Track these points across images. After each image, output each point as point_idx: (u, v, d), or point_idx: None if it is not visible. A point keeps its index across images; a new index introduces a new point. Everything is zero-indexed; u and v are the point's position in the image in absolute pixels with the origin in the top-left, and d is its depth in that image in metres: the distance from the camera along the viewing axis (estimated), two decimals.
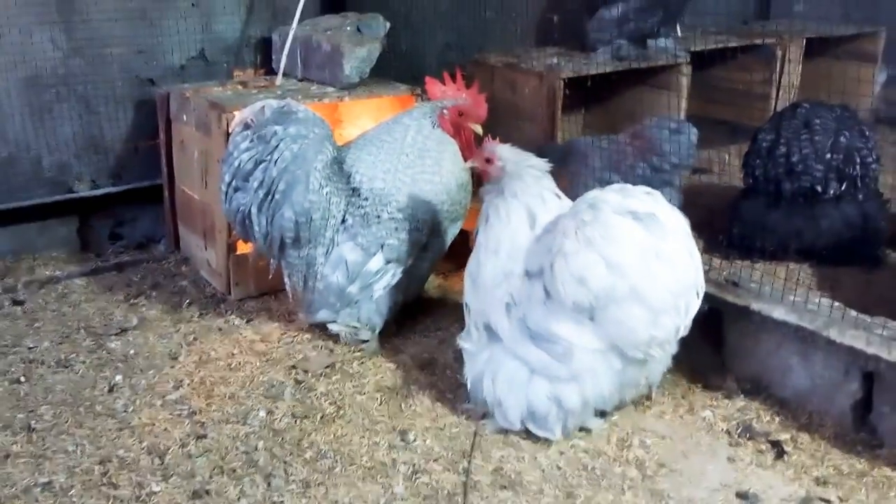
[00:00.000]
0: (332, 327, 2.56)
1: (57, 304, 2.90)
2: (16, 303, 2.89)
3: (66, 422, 2.21)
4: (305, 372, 2.44)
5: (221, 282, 2.93)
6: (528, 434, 2.11)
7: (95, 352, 2.57)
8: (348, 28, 3.21)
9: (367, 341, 2.54)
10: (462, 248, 2.54)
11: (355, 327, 2.54)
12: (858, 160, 2.58)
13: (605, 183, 2.06)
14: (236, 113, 2.61)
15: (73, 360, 2.52)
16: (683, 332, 2.01)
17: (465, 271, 2.20)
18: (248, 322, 2.75)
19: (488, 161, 2.15)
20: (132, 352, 2.56)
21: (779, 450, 2.06)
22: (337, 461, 2.04)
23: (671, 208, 1.99)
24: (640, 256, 1.91)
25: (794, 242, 2.62)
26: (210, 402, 2.29)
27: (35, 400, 2.31)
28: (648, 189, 2.02)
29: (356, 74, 3.07)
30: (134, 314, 2.81)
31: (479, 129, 2.57)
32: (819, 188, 2.57)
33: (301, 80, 3.26)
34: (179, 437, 2.13)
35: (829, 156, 2.57)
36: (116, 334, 2.67)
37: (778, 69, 3.74)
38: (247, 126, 2.48)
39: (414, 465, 2.02)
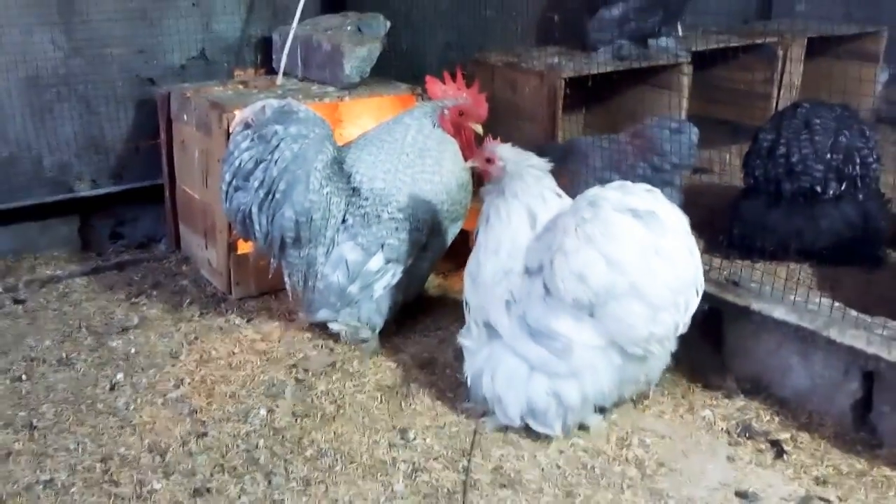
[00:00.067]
0: (333, 326, 2.56)
1: (58, 303, 2.91)
2: (17, 302, 2.90)
3: (68, 420, 2.21)
4: (306, 371, 2.44)
5: (222, 281, 2.94)
6: (527, 432, 2.11)
7: (97, 350, 2.57)
8: (349, 27, 3.21)
9: (367, 340, 2.55)
10: (462, 248, 2.55)
11: (356, 326, 2.54)
12: (858, 160, 2.58)
13: (605, 182, 2.06)
14: (237, 112, 2.61)
15: (75, 358, 2.52)
16: (683, 329, 2.02)
17: (465, 271, 2.20)
18: (248, 321, 2.75)
19: (489, 161, 2.16)
20: (133, 350, 2.57)
21: (778, 449, 2.06)
22: (337, 459, 2.04)
23: (671, 206, 2.00)
24: (639, 253, 1.92)
25: (794, 242, 2.62)
26: (211, 400, 2.29)
27: (36, 398, 2.32)
28: (648, 187, 2.02)
29: (357, 74, 3.08)
30: (135, 313, 2.81)
31: (479, 129, 2.57)
32: (819, 188, 2.57)
33: (301, 80, 3.26)
34: (180, 435, 2.14)
35: (828, 156, 2.57)
36: (117, 333, 2.67)
37: (779, 69, 3.74)
38: (247, 125, 2.48)
39: (414, 464, 2.02)
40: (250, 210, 2.46)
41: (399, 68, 3.37)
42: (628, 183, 2.04)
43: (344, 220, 2.50)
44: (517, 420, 2.08)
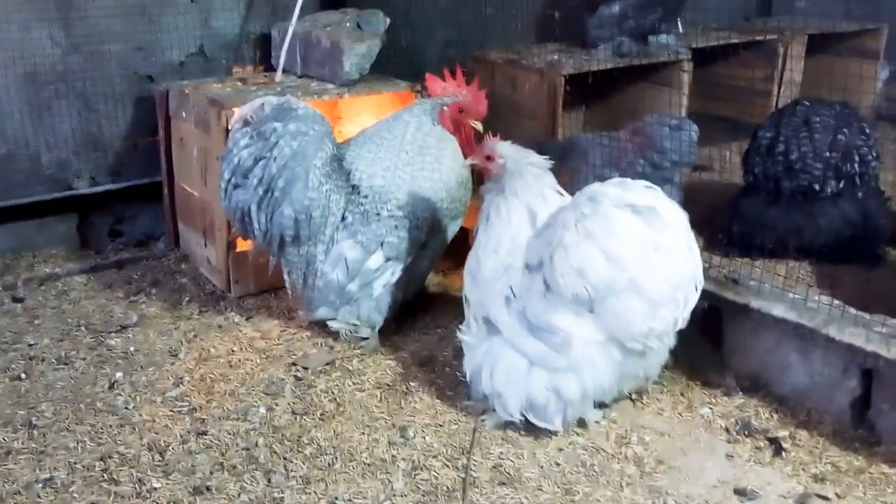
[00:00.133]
0: (332, 325, 2.56)
1: (57, 301, 2.90)
2: (16, 300, 2.90)
3: (67, 418, 2.21)
4: (305, 369, 2.44)
5: (221, 279, 2.94)
6: (527, 430, 2.11)
7: (96, 349, 2.57)
8: (348, 24, 3.20)
9: (366, 339, 2.55)
10: (462, 246, 2.54)
11: (355, 325, 2.54)
12: (857, 158, 2.57)
13: (605, 180, 2.07)
14: (236, 110, 2.60)
15: (74, 357, 2.52)
16: (682, 324, 2.02)
17: (465, 268, 2.20)
18: (247, 319, 2.75)
19: (489, 158, 2.16)
20: (132, 349, 2.56)
21: (777, 447, 2.06)
22: (337, 457, 2.05)
23: (670, 202, 2.01)
24: (639, 249, 1.92)
25: (793, 240, 2.62)
26: (210, 398, 2.29)
27: (36, 397, 2.32)
28: (648, 183, 2.03)
29: (356, 71, 3.07)
30: (134, 311, 2.81)
31: (479, 126, 2.57)
32: (817, 186, 2.57)
33: (301, 77, 3.25)
34: (180, 433, 2.14)
35: (828, 154, 2.56)
36: (116, 331, 2.67)
37: (780, 66, 3.73)
38: (246, 123, 2.48)
39: (413, 462, 2.03)
40: (249, 208, 2.45)
41: (398, 65, 3.36)
42: (628, 179, 2.04)
43: (343, 218, 2.49)
44: (517, 415, 2.08)
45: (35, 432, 2.15)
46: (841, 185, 2.58)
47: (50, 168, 3.24)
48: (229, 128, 2.60)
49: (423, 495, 1.92)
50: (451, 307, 2.70)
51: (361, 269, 2.48)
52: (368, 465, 2.02)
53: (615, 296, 1.94)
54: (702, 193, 2.99)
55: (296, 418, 2.20)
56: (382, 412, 2.23)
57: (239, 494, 1.93)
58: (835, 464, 2.00)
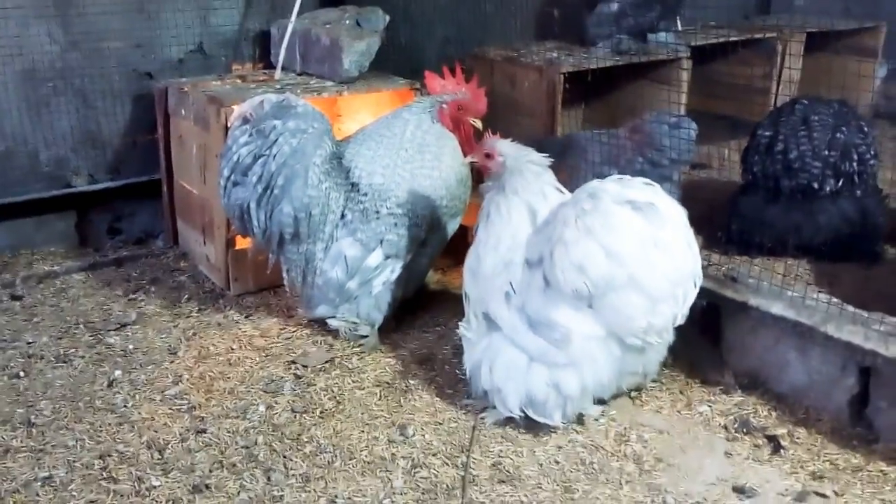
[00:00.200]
0: (332, 322, 2.56)
1: (55, 299, 2.90)
2: (14, 298, 2.90)
3: (66, 417, 2.21)
4: (305, 367, 2.44)
5: (220, 277, 2.94)
6: (526, 428, 2.12)
7: (94, 347, 2.57)
8: (347, 21, 3.20)
9: (366, 336, 2.55)
10: (461, 244, 2.54)
11: (354, 322, 2.54)
12: (856, 156, 2.57)
13: (603, 177, 2.07)
14: (235, 107, 2.60)
15: (73, 355, 2.52)
16: (681, 320, 2.03)
17: (465, 265, 2.21)
18: (247, 317, 2.75)
19: (488, 156, 2.16)
20: (131, 347, 2.56)
21: (775, 444, 2.07)
22: (336, 455, 2.05)
23: (669, 199, 2.02)
24: (638, 245, 1.93)
25: (792, 238, 2.63)
26: (209, 396, 2.29)
27: (34, 395, 2.32)
28: (647, 180, 2.04)
29: (355, 68, 3.07)
30: (133, 309, 2.81)
31: (478, 124, 2.57)
32: (816, 185, 2.57)
33: (300, 74, 3.25)
34: (179, 431, 2.14)
35: (826, 152, 2.57)
36: (115, 329, 2.67)
37: (778, 64, 3.73)
38: (246, 120, 2.48)
39: (413, 460, 2.03)
40: (249, 205, 2.45)
41: (398, 63, 3.36)
42: (627, 176, 2.05)
43: (343, 216, 2.49)
44: (516, 410, 2.09)
45: (34, 430, 2.15)
46: (840, 183, 2.58)
47: (48, 165, 3.23)
48: (228, 125, 2.59)
49: (423, 493, 1.92)
50: (450, 305, 2.70)
51: (361, 266, 2.48)
52: (368, 463, 2.02)
53: (615, 291, 1.95)
54: (701, 191, 2.99)
55: (295, 416, 2.21)
56: (382, 410, 2.23)
57: (238, 493, 1.93)
58: (833, 461, 2.01)
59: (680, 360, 2.35)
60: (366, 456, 2.05)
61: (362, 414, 2.21)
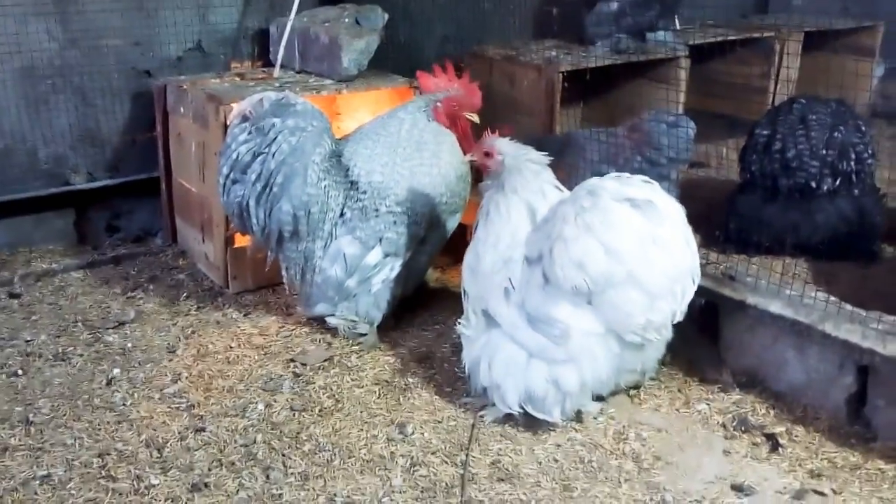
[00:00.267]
0: (331, 321, 2.56)
1: (54, 297, 2.90)
2: (12, 296, 2.89)
3: (65, 415, 2.21)
4: (304, 365, 2.44)
5: (219, 275, 2.93)
6: (525, 426, 2.12)
7: (93, 345, 2.57)
8: (346, 20, 3.20)
9: (365, 335, 2.55)
10: (461, 242, 2.54)
11: (353, 321, 2.54)
12: (853, 155, 2.58)
13: (602, 176, 2.07)
14: (234, 105, 2.60)
15: (71, 353, 2.52)
16: (679, 316, 2.04)
17: (464, 263, 2.21)
18: (245, 315, 2.75)
19: (487, 155, 2.16)
20: (130, 345, 2.56)
21: (774, 443, 2.07)
22: (335, 454, 2.05)
23: (668, 196, 2.02)
24: (637, 242, 1.94)
25: (790, 237, 2.63)
26: (208, 395, 2.29)
27: (33, 393, 2.31)
28: (646, 178, 2.05)
29: (354, 66, 3.07)
30: (131, 307, 2.81)
31: (475, 118, 2.57)
32: (814, 184, 2.58)
33: (299, 72, 3.25)
34: (178, 430, 2.14)
35: (824, 152, 2.57)
36: (114, 327, 2.67)
37: (776, 63, 3.73)
38: (245, 118, 2.48)
39: (412, 458, 2.03)
40: (248, 203, 2.45)
41: (397, 61, 3.36)
42: (626, 174, 2.06)
43: (342, 214, 2.49)
44: (515, 407, 2.09)
45: (32, 429, 2.15)
46: (837, 182, 2.59)
47: (47, 163, 3.23)
48: (228, 123, 2.59)
49: (422, 492, 1.93)
50: (449, 303, 2.71)
51: (360, 265, 2.48)
52: (367, 461, 2.03)
53: (614, 288, 1.95)
54: (699, 190, 2.99)
55: (294, 415, 2.21)
56: (381, 408, 2.23)
57: (237, 491, 1.93)
58: (831, 460, 2.02)
59: (678, 358, 2.36)
60: (365, 454, 2.05)
61: (361, 412, 2.22)
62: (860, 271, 2.56)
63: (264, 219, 2.45)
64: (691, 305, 2.06)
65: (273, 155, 2.42)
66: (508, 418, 2.14)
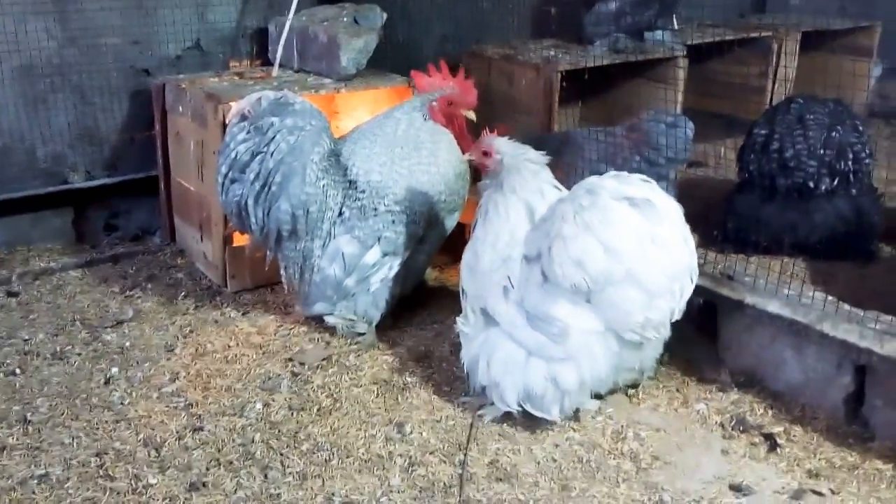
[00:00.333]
0: (329, 320, 2.56)
1: (52, 295, 2.89)
2: (10, 294, 2.89)
3: (62, 414, 2.20)
4: (302, 364, 2.44)
5: (217, 274, 2.93)
6: (524, 426, 2.12)
7: (91, 344, 2.57)
8: (345, 19, 3.20)
9: (363, 334, 2.55)
10: (459, 241, 2.54)
11: (352, 320, 2.54)
12: (851, 155, 2.59)
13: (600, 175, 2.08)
14: (233, 104, 2.60)
15: (69, 352, 2.52)
16: (678, 315, 2.04)
17: (462, 261, 2.21)
18: (244, 314, 2.75)
19: (486, 154, 2.16)
20: (128, 344, 2.56)
21: (772, 442, 2.08)
22: (333, 453, 2.05)
23: (666, 195, 2.03)
24: (636, 241, 1.95)
25: (788, 237, 2.64)
26: (206, 394, 2.29)
27: (31, 392, 2.31)
28: (644, 177, 2.05)
29: (353, 66, 3.07)
30: (129, 306, 2.80)
31: (472, 116, 2.57)
32: (812, 184, 2.58)
33: (298, 72, 3.24)
34: (176, 429, 2.14)
35: (821, 151, 2.58)
36: (112, 326, 2.66)
37: (774, 63, 3.74)
38: (243, 117, 2.48)
39: (410, 458, 2.03)
40: (246, 202, 2.45)
41: (395, 60, 3.36)
42: (625, 173, 2.06)
43: (340, 213, 2.49)
44: (514, 405, 2.09)
45: (30, 428, 2.15)
46: (835, 182, 2.59)
47: (45, 162, 3.22)
48: (226, 122, 2.59)
49: (420, 491, 1.93)
50: (448, 302, 2.71)
51: (358, 264, 2.48)
52: (365, 461, 2.03)
53: (613, 286, 1.96)
54: (697, 190, 3.00)
55: (292, 414, 2.21)
56: (379, 408, 2.23)
57: (235, 490, 1.93)
58: (829, 459, 2.02)
59: (677, 358, 2.36)
60: (363, 454, 2.05)
61: (359, 412, 2.22)
62: (858, 271, 2.57)
63: (263, 218, 2.45)
64: (689, 305, 2.06)
65: (272, 154, 2.42)
66: (507, 417, 2.14)
